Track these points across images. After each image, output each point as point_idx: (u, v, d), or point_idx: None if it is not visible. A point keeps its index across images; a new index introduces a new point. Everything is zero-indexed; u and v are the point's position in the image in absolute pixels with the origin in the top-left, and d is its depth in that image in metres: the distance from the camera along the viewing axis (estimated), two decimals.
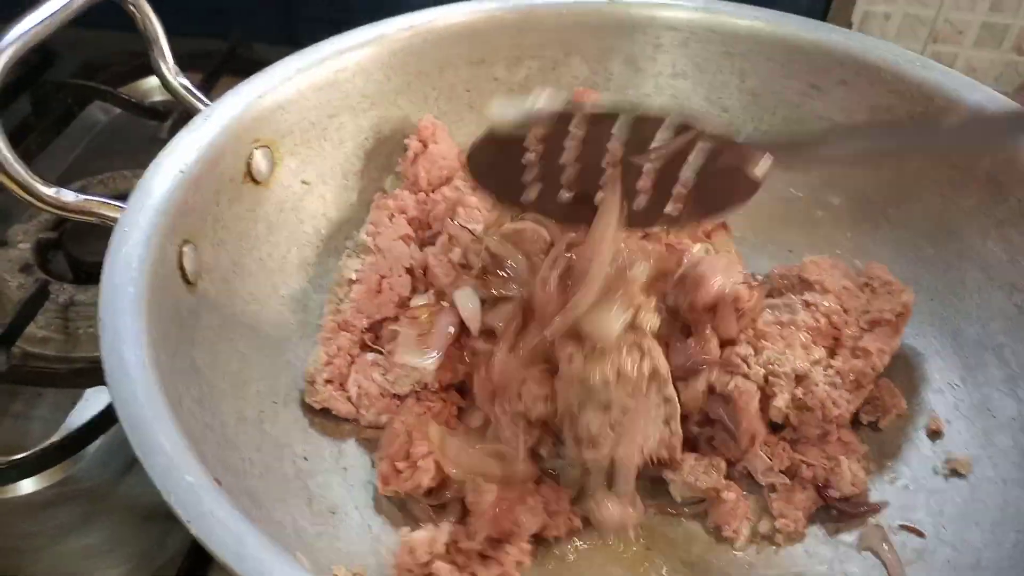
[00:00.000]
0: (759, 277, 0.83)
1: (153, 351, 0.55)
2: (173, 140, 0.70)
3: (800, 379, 0.72)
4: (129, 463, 0.82)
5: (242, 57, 1.28)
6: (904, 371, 0.78)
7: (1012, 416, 0.70)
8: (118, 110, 1.26)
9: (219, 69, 1.23)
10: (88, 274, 0.97)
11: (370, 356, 0.77)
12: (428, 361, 0.73)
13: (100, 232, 0.63)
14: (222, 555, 0.45)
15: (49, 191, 0.62)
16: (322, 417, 0.76)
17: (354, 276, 0.79)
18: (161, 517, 0.78)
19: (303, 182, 0.81)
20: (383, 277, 0.79)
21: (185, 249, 0.66)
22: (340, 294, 0.79)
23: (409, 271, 0.81)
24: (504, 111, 0.62)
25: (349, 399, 0.75)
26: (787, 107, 0.90)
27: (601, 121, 0.61)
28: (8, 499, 0.79)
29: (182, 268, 0.65)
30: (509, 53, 0.92)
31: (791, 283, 0.80)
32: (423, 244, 0.84)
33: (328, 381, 0.75)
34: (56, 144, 1.20)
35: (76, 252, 0.99)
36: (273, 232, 0.79)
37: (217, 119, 0.73)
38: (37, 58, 1.32)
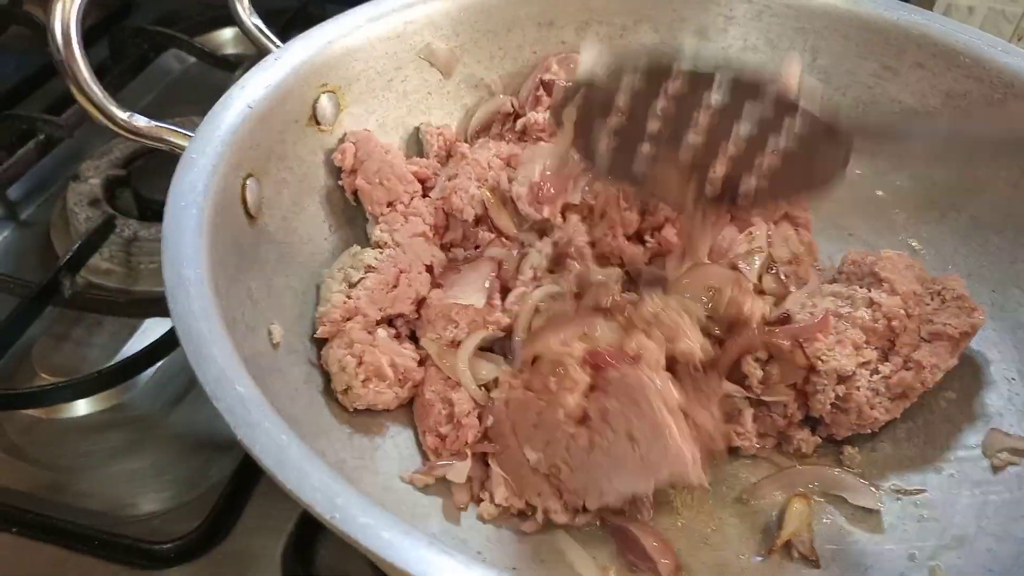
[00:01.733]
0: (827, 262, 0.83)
1: (212, 272, 0.56)
2: (243, 77, 0.71)
3: (843, 379, 0.70)
4: (179, 395, 0.85)
5: (314, 16, 1.30)
6: (960, 362, 0.76)
7: None
8: (192, 59, 1.29)
9: (289, 25, 1.25)
10: (153, 211, 1.00)
11: (383, 333, 0.73)
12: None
13: (166, 172, 0.64)
14: (265, 461, 0.46)
15: (123, 115, 0.64)
16: None
17: (373, 263, 0.75)
18: (206, 448, 0.80)
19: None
20: (402, 272, 0.75)
21: (248, 182, 0.67)
22: (353, 278, 0.74)
23: (428, 269, 0.77)
24: (596, 56, 0.61)
25: (389, 386, 0.71)
26: (859, 88, 0.88)
27: (697, 79, 0.60)
28: (64, 419, 0.82)
29: (244, 200, 0.67)
30: (578, 17, 0.91)
31: (861, 274, 0.78)
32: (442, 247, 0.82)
33: (365, 380, 0.70)
34: (130, 88, 1.23)
35: (143, 190, 1.02)
36: (333, 177, 0.80)
37: (287, 60, 0.74)
38: (117, 4, 1.37)
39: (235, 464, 0.75)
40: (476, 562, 0.42)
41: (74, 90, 0.63)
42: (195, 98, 1.20)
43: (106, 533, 0.70)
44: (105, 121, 0.64)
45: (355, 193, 0.80)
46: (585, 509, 0.66)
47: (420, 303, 0.76)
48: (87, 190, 1.02)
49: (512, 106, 0.90)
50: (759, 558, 0.66)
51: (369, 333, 0.72)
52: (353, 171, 0.79)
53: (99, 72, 1.19)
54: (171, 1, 1.38)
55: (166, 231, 0.57)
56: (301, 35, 0.78)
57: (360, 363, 0.69)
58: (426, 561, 0.42)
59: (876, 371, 0.71)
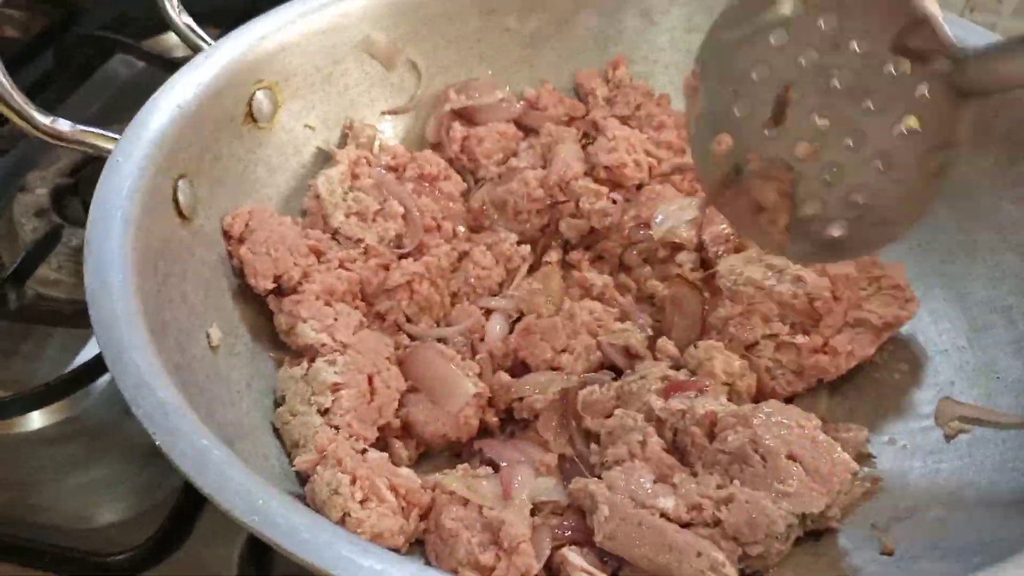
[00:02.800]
0: None
1: (138, 277, 0.55)
2: (172, 77, 0.71)
3: (749, 347, 0.71)
4: None
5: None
6: (910, 331, 0.77)
7: (1017, 378, 0.68)
8: (141, 64, 1.27)
9: (240, 22, 1.23)
10: None
11: (374, 455, 0.64)
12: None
13: None
14: (184, 467, 0.45)
15: (45, 120, 0.63)
16: None
17: (338, 379, 0.66)
18: (160, 457, 0.78)
19: (306, 126, 0.81)
20: (371, 376, 0.68)
21: (180, 183, 0.66)
22: (323, 404, 0.65)
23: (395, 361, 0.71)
24: None
25: (392, 512, 0.60)
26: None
27: None
28: (17, 434, 0.81)
29: (176, 202, 0.66)
30: (520, 4, 0.91)
31: None
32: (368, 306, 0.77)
33: (364, 501, 0.59)
34: (77, 95, 1.21)
35: (91, 198, 1.00)
36: (274, 174, 0.79)
37: (218, 58, 0.73)
38: (61, 12, 1.34)
39: None
40: (398, 559, 0.42)
41: None
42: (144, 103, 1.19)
43: (59, 548, 0.69)
44: (26, 126, 0.63)
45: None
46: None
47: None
48: (33, 200, 1.00)
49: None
50: None
51: (360, 453, 0.63)
52: (241, 239, 0.72)
53: (44, 82, 1.19)
54: (117, 6, 1.36)
55: (89, 236, 0.56)
56: (232, 32, 0.77)
57: (354, 480, 0.59)
58: (347, 560, 0.41)
59: (781, 346, 0.72)
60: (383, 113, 0.89)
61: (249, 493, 0.44)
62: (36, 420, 0.82)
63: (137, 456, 0.79)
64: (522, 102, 0.93)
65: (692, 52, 0.90)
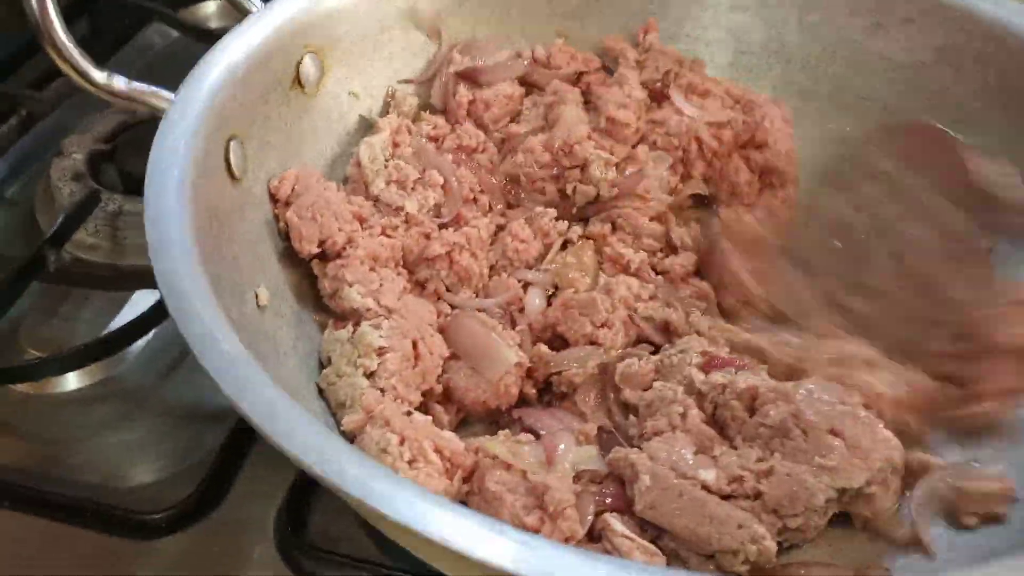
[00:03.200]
0: None
1: (196, 231, 0.56)
2: (224, 38, 0.71)
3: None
4: (170, 367, 0.84)
5: None
6: None
7: None
8: (175, 34, 1.27)
9: None
10: (138, 185, 0.96)
11: (420, 417, 0.64)
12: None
13: (151, 145, 0.63)
14: (254, 418, 0.45)
15: (101, 76, 0.64)
16: None
17: (383, 343, 0.66)
18: (198, 418, 0.80)
19: (351, 93, 0.81)
20: (415, 341, 0.68)
21: (232, 144, 0.67)
22: (370, 367, 0.65)
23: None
24: None
25: (439, 474, 0.61)
26: (848, 45, 0.88)
27: None
28: (54, 394, 0.82)
29: (228, 162, 0.66)
30: None
31: None
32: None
33: (412, 461, 0.59)
34: (111, 64, 1.20)
35: (127, 164, 1.01)
36: (319, 140, 0.79)
37: (268, 21, 0.73)
38: None
39: (227, 433, 0.74)
40: (472, 513, 0.42)
41: (51, 51, 0.62)
42: (179, 73, 1.19)
43: (97, 504, 0.70)
44: (83, 82, 0.63)
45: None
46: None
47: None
48: (71, 165, 1.01)
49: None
50: None
51: (405, 415, 0.63)
52: (287, 203, 0.73)
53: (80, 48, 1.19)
54: None
55: (148, 192, 0.57)
56: None
57: (402, 440, 0.59)
58: (420, 511, 0.41)
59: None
60: (400, 81, 0.88)
61: (318, 444, 0.44)
62: (73, 381, 0.82)
63: (173, 418, 0.80)
64: (528, 61, 0.90)
65: (735, 32, 0.93)
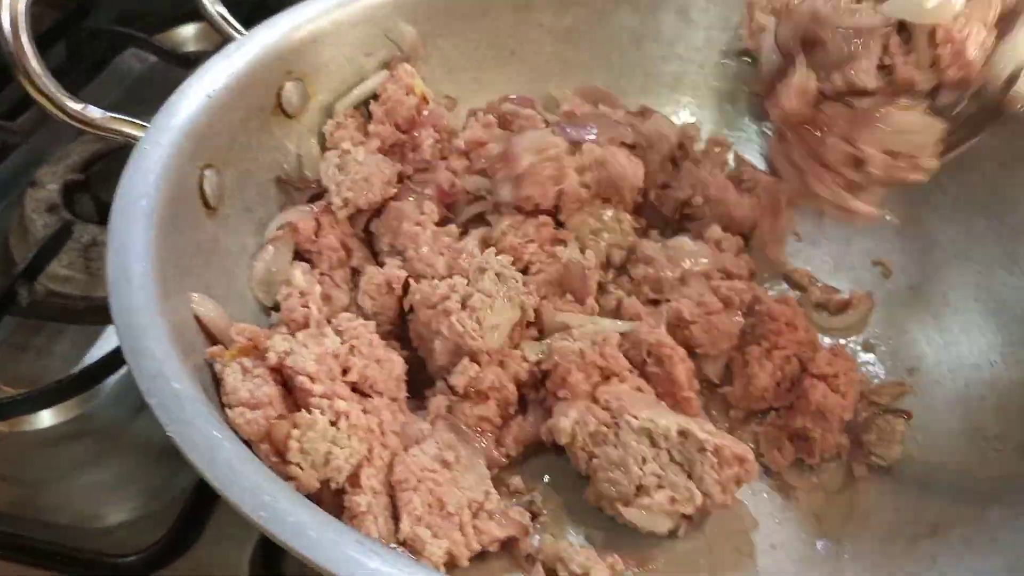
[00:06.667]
0: None
1: (160, 265, 0.56)
2: (204, 65, 0.72)
3: None
4: (143, 403, 0.83)
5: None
6: (943, 342, 0.78)
7: None
8: (153, 59, 1.28)
9: (253, 15, 1.24)
10: None
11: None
12: None
13: None
14: (195, 459, 0.46)
15: (76, 106, 0.64)
16: None
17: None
18: (172, 455, 0.77)
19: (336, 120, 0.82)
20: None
21: (207, 173, 0.67)
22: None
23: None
24: None
25: None
26: None
27: None
28: (26, 432, 0.81)
29: (202, 191, 0.67)
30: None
31: None
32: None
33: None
34: (89, 90, 1.22)
35: (103, 194, 1.01)
36: (303, 167, 0.79)
37: (250, 47, 0.74)
38: (73, 5, 1.36)
39: None
40: (406, 561, 0.42)
41: (24, 82, 0.63)
42: (157, 98, 1.19)
43: (70, 548, 0.69)
44: (57, 113, 0.63)
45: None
46: None
47: None
48: (45, 196, 1.01)
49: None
50: None
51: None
52: None
53: (56, 75, 1.19)
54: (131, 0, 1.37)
55: (113, 224, 0.57)
56: (265, 21, 0.78)
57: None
58: (353, 560, 0.42)
59: None
60: None
61: (258, 488, 0.45)
62: (46, 418, 0.82)
63: (148, 456, 0.79)
64: None
65: (727, 52, 0.94)
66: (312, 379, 0.57)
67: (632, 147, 0.84)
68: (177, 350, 0.52)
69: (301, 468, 0.55)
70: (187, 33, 1.34)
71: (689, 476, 0.64)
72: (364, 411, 0.60)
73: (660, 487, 0.64)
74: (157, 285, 0.55)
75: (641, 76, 0.96)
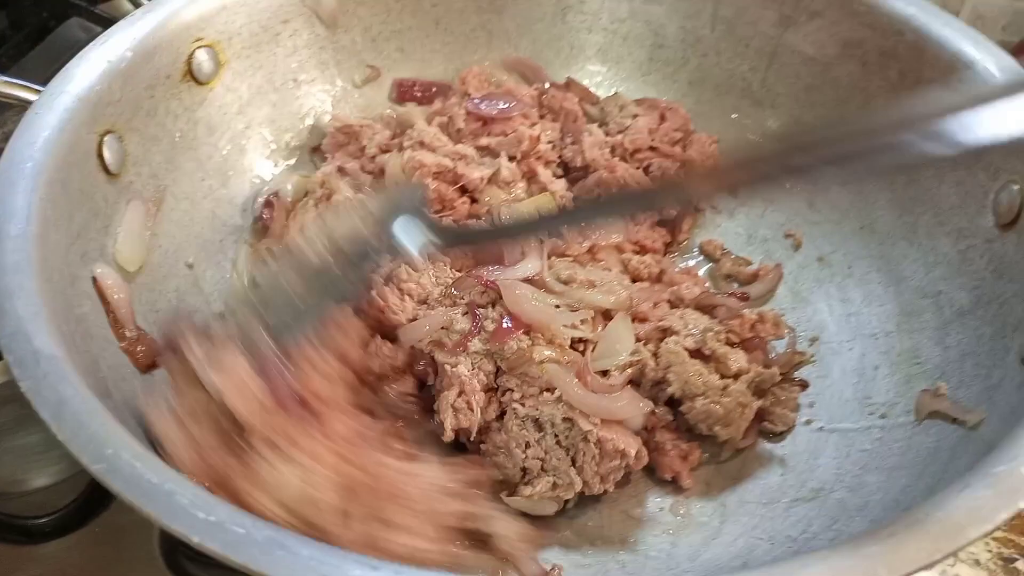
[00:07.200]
0: None
1: (43, 227, 0.57)
2: (107, 32, 0.72)
3: None
4: None
5: None
6: (846, 316, 0.80)
7: (936, 364, 0.71)
8: (98, 29, 1.28)
9: None
10: None
11: None
12: None
13: None
14: (43, 413, 0.48)
15: None
16: None
17: None
18: None
19: (251, 87, 0.82)
20: None
21: (107, 138, 0.68)
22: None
23: None
24: None
25: None
26: (762, 39, 0.90)
27: None
28: None
29: (101, 156, 0.67)
30: None
31: None
32: None
33: None
34: (31, 58, 1.22)
35: None
36: (214, 134, 0.81)
37: (156, 14, 0.75)
38: None
39: None
40: (233, 512, 0.44)
41: None
42: None
43: None
44: None
45: None
46: None
47: None
48: None
49: None
50: None
51: None
52: None
53: None
54: None
55: None
56: None
57: None
58: (184, 511, 0.44)
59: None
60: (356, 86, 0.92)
61: (101, 442, 0.46)
62: None
63: None
64: None
65: (652, 23, 0.94)
66: None
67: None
68: (49, 309, 0.53)
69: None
70: (130, 4, 1.34)
71: (572, 463, 0.67)
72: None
73: (544, 471, 0.67)
74: (36, 246, 0.56)
75: (567, 47, 0.97)
